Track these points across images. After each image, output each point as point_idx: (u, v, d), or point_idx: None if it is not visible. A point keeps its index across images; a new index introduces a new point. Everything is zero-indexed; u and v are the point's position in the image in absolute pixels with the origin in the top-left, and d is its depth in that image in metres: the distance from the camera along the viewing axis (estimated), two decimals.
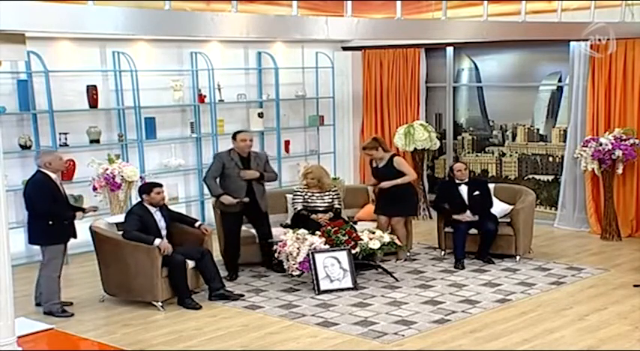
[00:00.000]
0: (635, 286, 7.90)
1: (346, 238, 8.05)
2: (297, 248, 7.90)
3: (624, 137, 9.70)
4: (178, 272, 7.45)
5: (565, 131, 10.66)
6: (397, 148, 11.21)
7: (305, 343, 6.55)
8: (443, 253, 9.22)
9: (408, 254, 9.15)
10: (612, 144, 9.64)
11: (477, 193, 8.95)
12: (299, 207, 8.99)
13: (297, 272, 7.93)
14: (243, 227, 8.64)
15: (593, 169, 9.87)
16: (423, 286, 8.06)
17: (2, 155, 5.30)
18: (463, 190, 8.97)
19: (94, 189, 8.98)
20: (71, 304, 7.63)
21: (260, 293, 7.92)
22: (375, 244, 8.12)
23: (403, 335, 6.65)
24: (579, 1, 8.52)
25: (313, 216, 8.83)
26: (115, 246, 7.53)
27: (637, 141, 9.70)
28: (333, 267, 7.90)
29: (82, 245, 8.62)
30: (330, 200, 9.05)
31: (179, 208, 9.45)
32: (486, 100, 11.56)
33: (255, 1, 8.02)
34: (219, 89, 10.82)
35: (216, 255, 8.31)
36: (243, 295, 7.76)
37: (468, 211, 8.87)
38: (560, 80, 10.87)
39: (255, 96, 11.41)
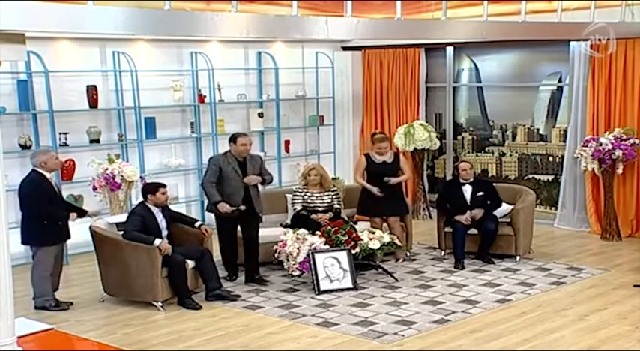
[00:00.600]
0: (635, 286, 7.90)
1: (346, 238, 8.05)
2: (297, 248, 7.90)
3: (624, 137, 9.70)
4: (178, 272, 7.45)
5: (565, 131, 10.66)
6: (397, 148, 11.21)
7: (305, 343, 6.55)
8: (443, 253, 9.22)
9: (408, 254, 9.15)
10: (612, 144, 9.64)
11: (480, 193, 8.94)
12: (298, 207, 8.99)
13: (297, 272, 7.92)
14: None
15: (593, 169, 9.87)
16: (423, 286, 8.06)
17: (2, 155, 5.29)
18: (467, 190, 8.96)
19: (94, 189, 8.98)
20: (71, 303, 7.64)
21: (260, 293, 7.92)
22: (375, 244, 8.12)
23: (403, 335, 6.65)
24: (579, 1, 8.52)
25: (313, 216, 8.83)
26: (115, 246, 7.53)
27: (637, 141, 9.70)
28: (333, 267, 7.91)
29: (82, 245, 8.63)
30: (330, 200, 9.05)
31: (179, 208, 9.44)
32: (486, 100, 11.56)
33: (255, 1, 8.02)
34: (219, 89, 10.82)
35: (216, 255, 8.30)
36: (239, 296, 7.76)
37: (469, 212, 8.86)
38: (560, 80, 10.86)
39: (255, 96, 11.41)
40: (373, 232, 8.30)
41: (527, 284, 8.07)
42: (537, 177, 11.13)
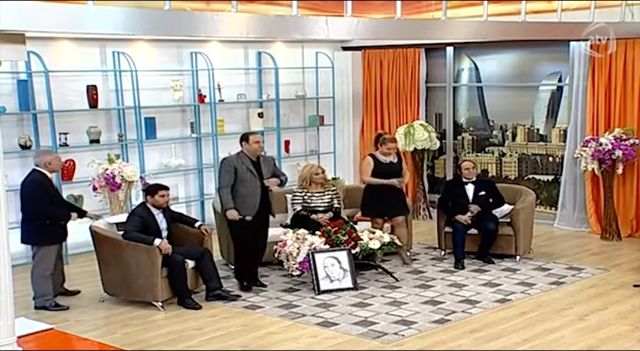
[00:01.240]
0: (635, 286, 7.90)
1: (346, 238, 8.05)
2: (297, 248, 7.90)
3: (624, 137, 9.70)
4: (178, 272, 7.45)
5: (565, 131, 10.66)
6: (397, 148, 11.19)
7: (305, 343, 6.55)
8: (443, 253, 9.22)
9: (408, 254, 9.15)
10: (612, 144, 9.64)
11: (482, 193, 8.94)
12: (298, 207, 8.99)
13: (297, 272, 7.92)
14: None
15: (593, 169, 9.87)
16: (423, 286, 8.05)
17: (2, 155, 5.29)
18: (469, 189, 8.95)
19: (94, 189, 8.98)
20: (78, 292, 7.81)
21: (260, 293, 7.91)
22: (375, 244, 8.12)
23: (403, 335, 6.65)
24: (579, 1, 8.52)
25: (313, 216, 8.83)
26: (115, 246, 7.53)
27: (637, 141, 9.70)
28: (333, 267, 7.91)
29: (82, 245, 8.63)
30: (330, 200, 9.05)
31: (179, 208, 9.44)
32: (486, 100, 11.56)
33: (255, 1, 8.02)
34: (219, 89, 10.82)
35: (216, 255, 8.31)
36: (240, 296, 7.76)
37: (469, 212, 8.86)
38: (560, 80, 10.86)
39: (255, 96, 11.41)
40: (373, 232, 8.30)
41: (527, 284, 8.07)
42: (537, 177, 11.13)
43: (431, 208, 11.40)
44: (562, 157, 10.71)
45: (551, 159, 10.99)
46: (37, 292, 7.47)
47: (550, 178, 11.02)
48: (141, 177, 9.19)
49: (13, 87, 9.14)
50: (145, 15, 5.26)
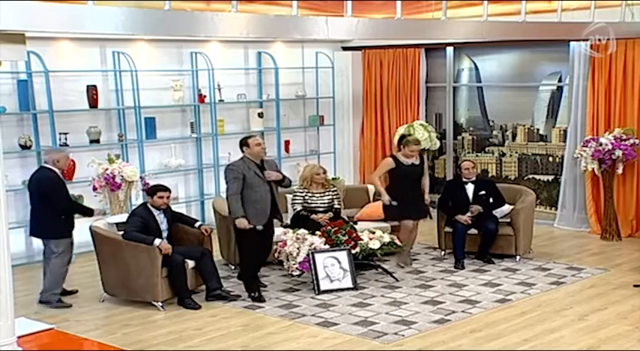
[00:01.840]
0: (635, 286, 7.90)
1: (346, 238, 8.05)
2: (297, 248, 7.90)
3: (624, 137, 9.70)
4: (178, 272, 7.45)
5: (565, 131, 10.66)
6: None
7: (305, 343, 6.55)
8: (443, 253, 9.22)
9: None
10: (612, 144, 9.64)
11: (482, 193, 8.94)
12: (298, 207, 8.98)
13: (297, 272, 7.92)
14: None
15: (593, 169, 9.87)
16: (423, 286, 8.06)
17: (2, 155, 5.29)
18: (469, 189, 8.95)
19: (94, 189, 8.97)
20: (76, 291, 7.88)
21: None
22: (375, 244, 8.13)
23: (403, 335, 6.65)
24: (579, 1, 8.52)
25: (313, 216, 8.83)
26: (115, 246, 7.53)
27: (637, 141, 9.70)
28: (333, 267, 7.91)
29: (82, 245, 8.62)
30: (330, 200, 9.05)
31: (179, 208, 9.44)
32: (486, 100, 11.56)
33: (255, 1, 8.02)
34: (219, 89, 10.82)
35: (216, 255, 8.30)
36: (240, 296, 7.76)
37: (469, 213, 8.86)
38: (560, 80, 10.86)
39: (255, 96, 11.42)
40: (373, 232, 8.31)
41: (527, 284, 8.07)
42: (537, 177, 11.13)
43: (431, 208, 11.38)
44: (562, 157, 10.71)
45: (551, 159, 10.99)
46: (48, 286, 7.57)
47: (550, 178, 11.02)
48: (141, 177, 9.18)
49: (13, 87, 9.14)
50: (144, 15, 5.26)
